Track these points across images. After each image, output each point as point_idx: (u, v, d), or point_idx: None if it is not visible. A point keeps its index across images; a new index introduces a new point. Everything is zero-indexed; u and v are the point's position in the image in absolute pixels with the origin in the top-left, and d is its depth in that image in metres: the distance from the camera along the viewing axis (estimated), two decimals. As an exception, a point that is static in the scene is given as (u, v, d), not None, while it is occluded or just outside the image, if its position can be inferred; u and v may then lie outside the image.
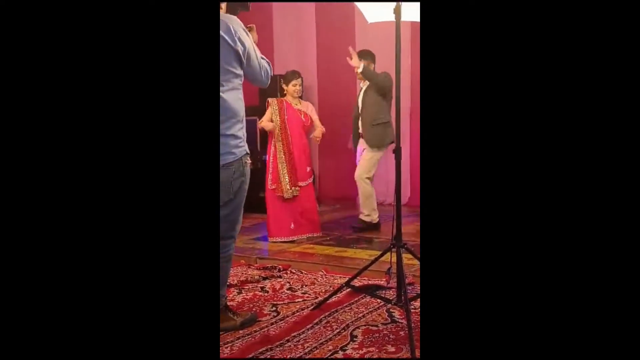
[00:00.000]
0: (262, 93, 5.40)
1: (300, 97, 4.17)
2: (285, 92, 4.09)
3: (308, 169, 4.07)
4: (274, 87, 5.25)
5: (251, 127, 5.10)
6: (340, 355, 1.90)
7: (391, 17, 2.27)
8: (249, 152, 2.15)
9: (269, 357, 1.90)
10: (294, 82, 4.04)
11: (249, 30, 2.22)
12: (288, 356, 1.90)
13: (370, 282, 2.79)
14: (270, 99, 4.07)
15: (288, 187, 3.93)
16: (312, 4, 6.10)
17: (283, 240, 3.96)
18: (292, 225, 4.01)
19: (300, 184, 3.97)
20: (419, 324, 2.17)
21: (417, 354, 1.85)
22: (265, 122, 3.98)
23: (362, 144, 4.26)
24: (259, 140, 5.35)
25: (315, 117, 4.14)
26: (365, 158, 4.18)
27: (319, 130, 4.06)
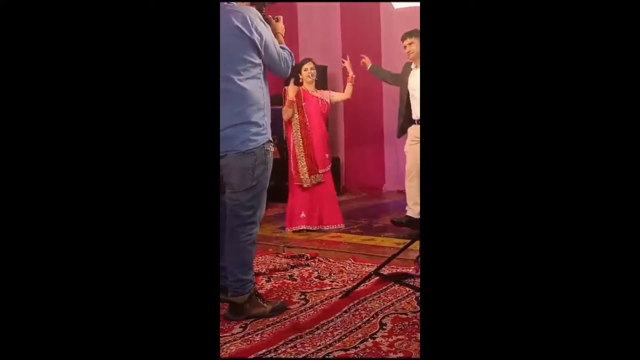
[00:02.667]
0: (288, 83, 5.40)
1: (316, 85, 4.11)
2: (301, 80, 4.04)
3: (327, 155, 4.04)
4: (297, 78, 5.23)
5: (277, 116, 5.10)
6: (369, 343, 1.91)
7: (417, 3, 2.24)
8: (271, 139, 2.20)
9: (298, 344, 1.92)
10: (304, 66, 4.00)
11: (276, 22, 2.30)
12: (318, 344, 1.91)
13: (398, 270, 2.78)
14: (286, 87, 4.01)
15: (307, 177, 3.92)
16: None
17: (294, 229, 3.95)
18: (303, 214, 3.96)
19: (320, 171, 3.96)
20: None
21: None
22: (285, 110, 3.97)
23: (414, 130, 3.92)
24: (285, 130, 5.36)
25: (335, 95, 4.12)
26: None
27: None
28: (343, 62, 4.19)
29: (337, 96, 4.16)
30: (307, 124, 3.97)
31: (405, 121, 4.01)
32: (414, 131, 3.91)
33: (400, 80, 4.03)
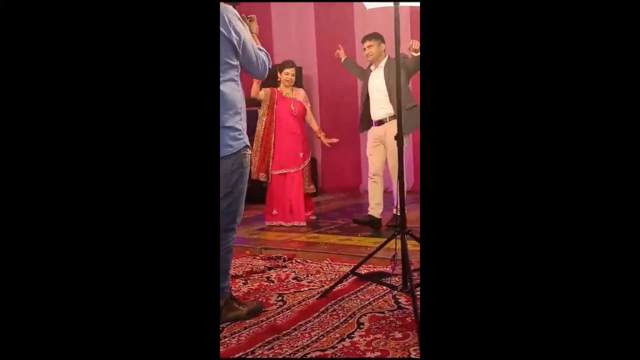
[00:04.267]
0: (263, 84, 5.38)
1: (294, 86, 4.29)
2: (279, 80, 4.18)
3: (301, 154, 4.17)
4: (275, 78, 5.29)
5: (252, 119, 5.17)
6: (347, 342, 1.91)
7: (389, 3, 2.26)
8: (249, 144, 2.14)
9: (276, 346, 1.91)
10: (286, 70, 4.13)
11: (250, 21, 2.22)
12: (295, 345, 1.91)
13: (375, 269, 2.79)
14: (264, 89, 4.19)
15: (255, 170, 4.13)
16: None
17: (270, 224, 4.19)
18: (275, 211, 4.20)
19: (280, 171, 4.13)
20: (425, 309, 2.18)
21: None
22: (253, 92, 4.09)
23: (378, 131, 3.91)
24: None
25: (308, 107, 4.23)
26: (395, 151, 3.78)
27: (322, 136, 4.29)
28: (319, 136, 4.36)
29: (309, 113, 4.31)
30: (274, 125, 4.15)
31: (365, 121, 4.06)
32: (375, 132, 3.94)
33: (363, 76, 4.11)
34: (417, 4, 2.56)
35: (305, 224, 4.15)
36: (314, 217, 4.40)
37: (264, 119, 4.19)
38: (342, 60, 4.29)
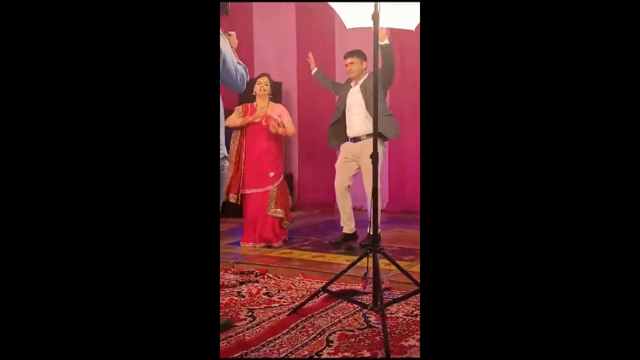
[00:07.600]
0: (242, 97, 5.39)
1: (271, 99, 4.13)
2: (254, 94, 4.07)
3: (272, 174, 3.96)
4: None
5: (230, 132, 5.16)
6: (315, 360, 1.90)
7: (369, 24, 2.28)
8: (227, 154, 2.16)
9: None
10: (259, 80, 4.05)
11: (229, 37, 2.24)
12: (263, 361, 1.89)
13: (347, 287, 2.79)
14: (236, 108, 4.10)
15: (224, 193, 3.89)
16: (293, 9, 6.12)
17: (244, 244, 4.00)
18: (249, 230, 4.01)
19: (246, 191, 3.96)
20: (394, 328, 2.18)
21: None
22: (230, 121, 3.96)
23: (353, 148, 3.88)
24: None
25: (286, 119, 4.07)
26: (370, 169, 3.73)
27: (286, 129, 4.03)
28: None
29: (287, 122, 4.09)
30: (244, 142, 3.99)
31: (339, 137, 4.00)
32: (350, 148, 3.90)
33: (340, 90, 4.06)
34: (395, 25, 2.61)
35: (277, 245, 3.96)
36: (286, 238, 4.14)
37: (237, 137, 4.04)
38: (313, 72, 4.24)
